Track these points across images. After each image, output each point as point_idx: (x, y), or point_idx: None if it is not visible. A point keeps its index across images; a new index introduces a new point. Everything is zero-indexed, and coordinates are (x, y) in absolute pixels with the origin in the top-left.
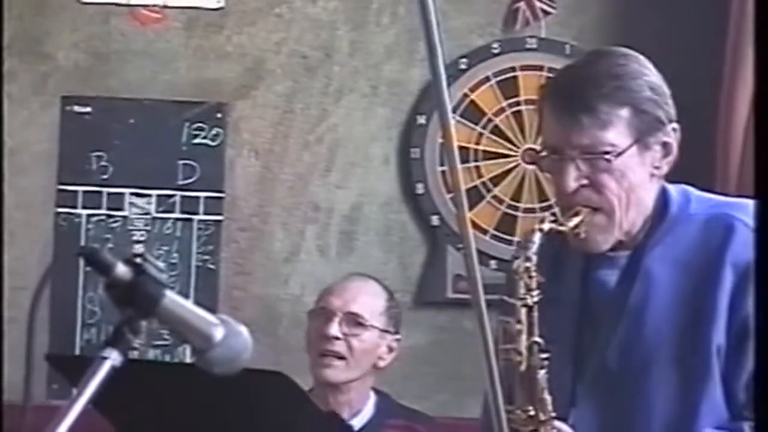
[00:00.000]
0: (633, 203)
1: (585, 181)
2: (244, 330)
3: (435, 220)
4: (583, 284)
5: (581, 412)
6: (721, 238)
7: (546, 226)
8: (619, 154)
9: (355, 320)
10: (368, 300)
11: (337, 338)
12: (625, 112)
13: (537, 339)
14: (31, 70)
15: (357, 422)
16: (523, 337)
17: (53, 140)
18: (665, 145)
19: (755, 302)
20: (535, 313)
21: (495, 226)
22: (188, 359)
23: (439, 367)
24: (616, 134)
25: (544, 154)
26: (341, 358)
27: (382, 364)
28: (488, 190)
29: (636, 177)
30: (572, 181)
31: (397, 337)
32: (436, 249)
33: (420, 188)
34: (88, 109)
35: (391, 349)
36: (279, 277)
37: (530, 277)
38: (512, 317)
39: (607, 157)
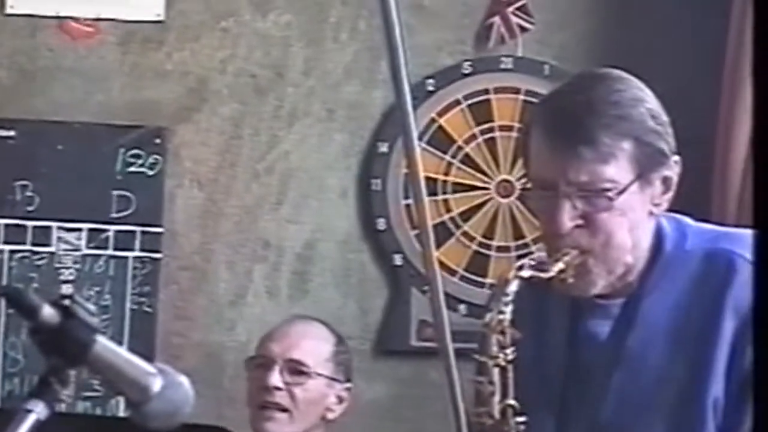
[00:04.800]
0: (629, 246)
1: (580, 221)
2: (184, 380)
3: (398, 259)
4: (570, 336)
5: None
6: (722, 278)
7: (526, 273)
8: (621, 191)
9: (297, 368)
10: (312, 345)
11: (278, 388)
12: (627, 145)
13: (511, 402)
14: None
15: None
16: (496, 399)
17: None
18: (665, 180)
19: (755, 303)
20: (510, 373)
21: (465, 266)
22: (122, 413)
23: (402, 424)
24: (618, 169)
25: (530, 188)
26: (284, 410)
27: (331, 416)
28: (458, 226)
29: (636, 216)
30: (568, 221)
31: (348, 385)
32: (399, 292)
33: (381, 224)
34: (12, 133)
35: (341, 400)
36: (223, 323)
37: (503, 332)
38: (485, 377)
39: (609, 194)
